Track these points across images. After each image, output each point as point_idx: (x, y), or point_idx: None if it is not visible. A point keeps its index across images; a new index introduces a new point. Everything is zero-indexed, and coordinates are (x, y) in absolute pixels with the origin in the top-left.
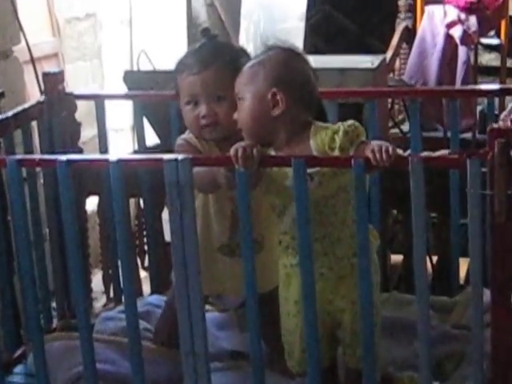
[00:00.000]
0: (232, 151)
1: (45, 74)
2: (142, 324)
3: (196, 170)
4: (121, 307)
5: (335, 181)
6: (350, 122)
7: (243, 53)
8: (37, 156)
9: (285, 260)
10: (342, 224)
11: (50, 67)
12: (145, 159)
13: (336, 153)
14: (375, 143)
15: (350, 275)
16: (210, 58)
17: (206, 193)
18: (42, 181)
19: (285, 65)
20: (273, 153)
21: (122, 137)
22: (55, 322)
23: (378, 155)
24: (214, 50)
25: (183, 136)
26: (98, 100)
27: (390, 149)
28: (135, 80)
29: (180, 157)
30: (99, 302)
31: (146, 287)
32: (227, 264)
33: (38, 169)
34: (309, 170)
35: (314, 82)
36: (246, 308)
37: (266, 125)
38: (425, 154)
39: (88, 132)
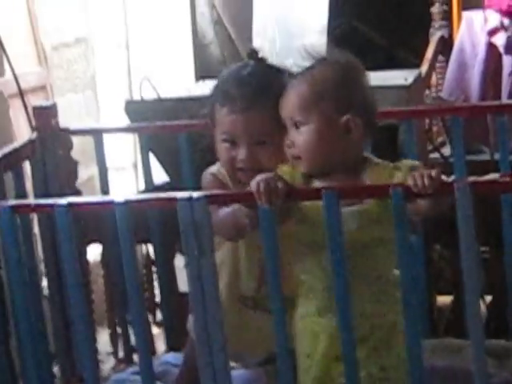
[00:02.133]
0: (253, 185)
1: (36, 108)
2: None
3: (220, 214)
4: (133, 368)
5: (376, 227)
6: (413, 161)
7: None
8: (32, 201)
9: (302, 308)
10: (375, 279)
11: (37, 101)
12: (155, 199)
13: None
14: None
15: (370, 338)
16: (257, 92)
17: (232, 240)
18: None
19: (354, 84)
20: (317, 183)
21: (122, 176)
22: None
23: (419, 181)
24: (263, 82)
25: (211, 170)
26: (97, 135)
27: (434, 173)
28: (138, 110)
29: (195, 194)
30: (106, 365)
31: (160, 345)
32: (250, 318)
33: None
34: (348, 209)
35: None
36: (278, 365)
37: (334, 151)
38: (472, 178)
39: (82, 173)
